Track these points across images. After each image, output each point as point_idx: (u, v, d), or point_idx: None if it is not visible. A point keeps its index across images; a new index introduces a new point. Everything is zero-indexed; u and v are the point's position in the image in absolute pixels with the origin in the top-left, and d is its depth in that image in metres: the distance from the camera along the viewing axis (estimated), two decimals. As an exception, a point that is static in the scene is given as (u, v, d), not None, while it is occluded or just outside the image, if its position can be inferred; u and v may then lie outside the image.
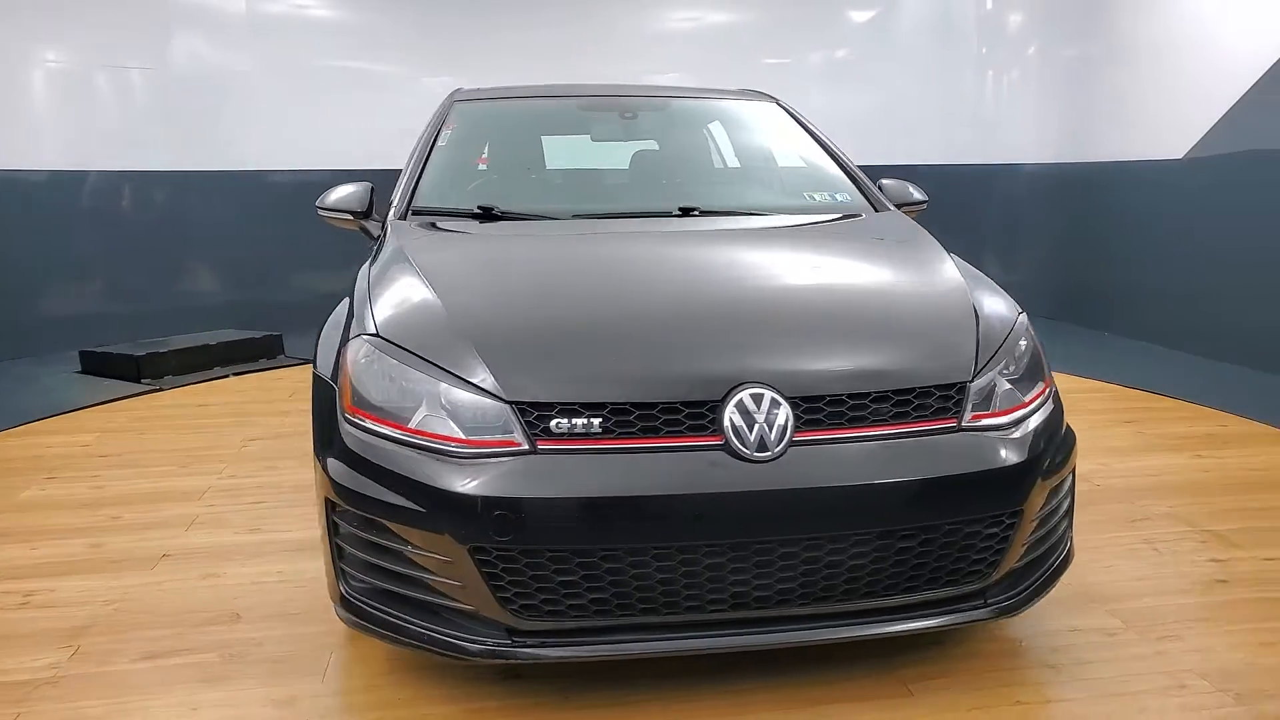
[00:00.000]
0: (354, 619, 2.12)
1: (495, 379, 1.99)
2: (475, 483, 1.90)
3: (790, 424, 1.95)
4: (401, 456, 1.99)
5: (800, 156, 3.44)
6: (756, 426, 1.93)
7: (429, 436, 2.00)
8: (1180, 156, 6.31)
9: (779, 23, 7.88)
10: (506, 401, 1.96)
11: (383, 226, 2.99)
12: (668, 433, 1.95)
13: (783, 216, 3.04)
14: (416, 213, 2.96)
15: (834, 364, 2.09)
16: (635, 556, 1.91)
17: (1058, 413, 2.27)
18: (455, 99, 3.57)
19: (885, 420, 2.02)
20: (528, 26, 7.55)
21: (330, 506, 2.12)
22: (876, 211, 3.09)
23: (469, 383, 2.01)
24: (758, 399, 1.95)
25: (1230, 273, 5.84)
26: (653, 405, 1.95)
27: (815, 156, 3.41)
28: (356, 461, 2.05)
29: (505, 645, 1.96)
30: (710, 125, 3.67)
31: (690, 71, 7.69)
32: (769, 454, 1.92)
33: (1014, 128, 7.89)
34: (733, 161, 3.50)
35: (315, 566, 2.92)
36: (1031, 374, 2.25)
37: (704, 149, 3.57)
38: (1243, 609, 2.60)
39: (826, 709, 2.12)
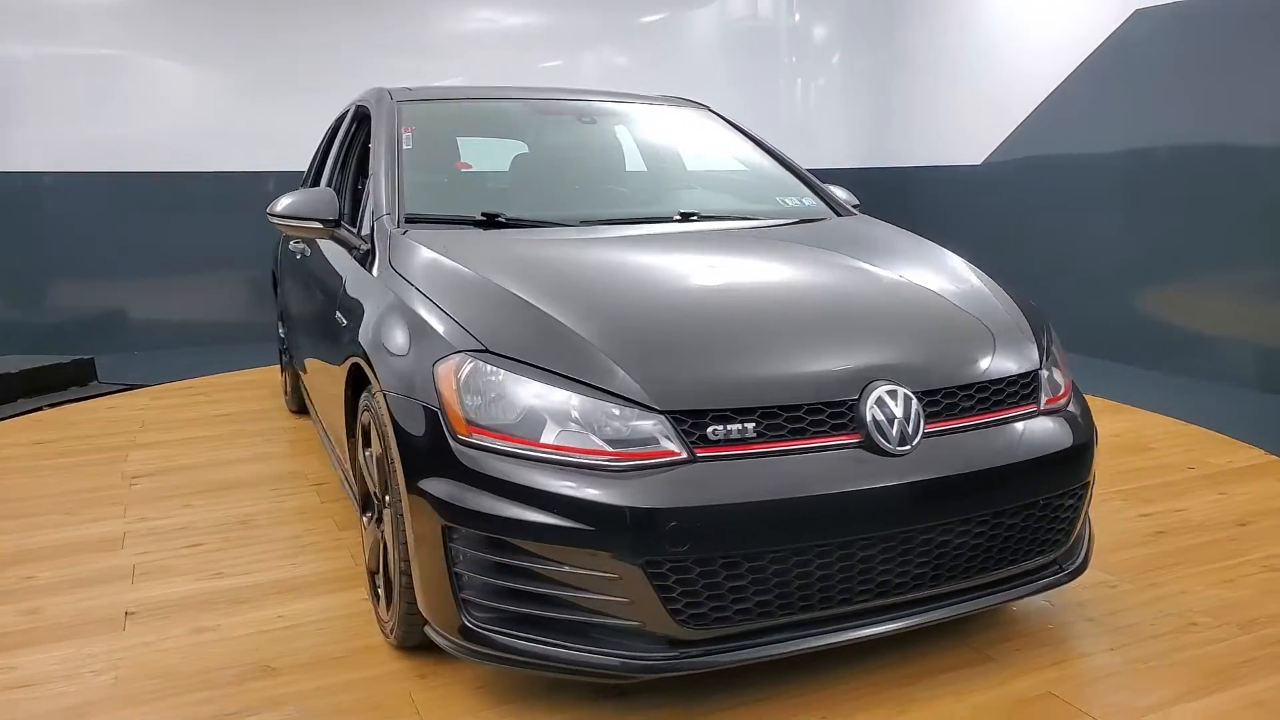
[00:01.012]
0: (479, 649, 2.01)
1: (642, 388, 1.95)
2: (644, 495, 1.86)
3: (922, 417, 2.06)
4: (542, 474, 1.91)
5: (747, 161, 3.56)
6: (896, 422, 2.02)
7: (571, 451, 1.93)
8: (979, 162, 7.06)
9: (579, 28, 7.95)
10: (660, 411, 1.93)
11: (369, 237, 2.80)
12: (813, 433, 2.00)
13: (774, 220, 3.14)
14: (410, 220, 2.79)
15: (944, 358, 2.22)
16: (800, 556, 1.94)
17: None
18: (399, 100, 3.37)
19: (987, 409, 2.18)
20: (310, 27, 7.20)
21: (447, 534, 1.99)
22: (840, 216, 3.26)
23: (608, 393, 1.96)
24: (893, 395, 2.05)
25: (1025, 266, 6.61)
26: (799, 407, 2.00)
27: (765, 162, 3.54)
28: (481, 483, 1.95)
29: (671, 658, 1.93)
30: (668, 130, 3.70)
31: (465, 72, 7.60)
32: (908, 447, 2.02)
33: (822, 135, 8.46)
34: (696, 167, 3.56)
35: (320, 606, 2.70)
36: (1061, 359, 2.49)
37: (674, 156, 3.60)
38: (1193, 554, 3.01)
39: (924, 684, 2.25)
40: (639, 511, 1.86)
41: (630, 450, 1.92)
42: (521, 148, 3.53)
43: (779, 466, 1.94)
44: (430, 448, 2.05)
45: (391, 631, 2.37)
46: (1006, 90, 6.75)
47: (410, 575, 2.15)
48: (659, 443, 1.92)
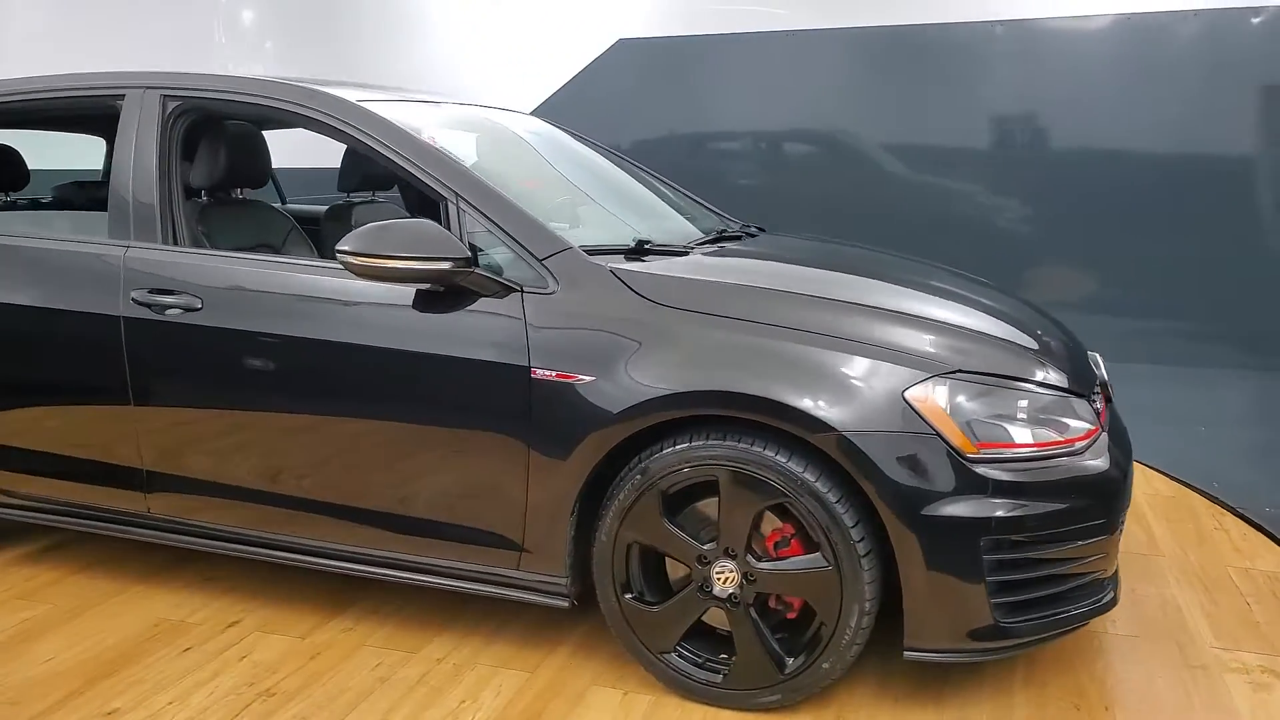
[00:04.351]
0: (1014, 643, 2.22)
1: (1062, 377, 2.31)
2: (1114, 466, 2.28)
3: None
4: (1064, 469, 2.19)
5: (614, 178, 3.63)
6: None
7: (1063, 444, 2.22)
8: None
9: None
10: (1081, 395, 2.34)
11: (543, 275, 2.35)
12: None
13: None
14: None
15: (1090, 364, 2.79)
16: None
17: None
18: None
19: None
20: None
21: (992, 546, 2.12)
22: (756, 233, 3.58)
23: (1052, 386, 2.28)
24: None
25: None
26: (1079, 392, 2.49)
27: (634, 178, 3.66)
28: (1021, 491, 2.14)
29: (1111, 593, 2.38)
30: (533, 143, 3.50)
31: None
32: None
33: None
34: (595, 182, 3.48)
35: None
36: None
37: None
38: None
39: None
40: (1116, 479, 2.29)
41: (1088, 430, 2.28)
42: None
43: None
44: (937, 473, 2.11)
45: (798, 686, 2.27)
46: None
47: (857, 616, 2.17)
48: (1091, 419, 2.33)
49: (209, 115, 2.89)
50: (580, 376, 2.28)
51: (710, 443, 2.22)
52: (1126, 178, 5.47)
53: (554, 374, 2.30)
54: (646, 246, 2.60)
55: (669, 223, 3.28)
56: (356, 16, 7.56)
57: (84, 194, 3.75)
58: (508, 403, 2.35)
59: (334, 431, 2.55)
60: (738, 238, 3.12)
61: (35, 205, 3.68)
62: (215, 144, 2.94)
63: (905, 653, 2.21)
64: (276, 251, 3.16)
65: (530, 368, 2.31)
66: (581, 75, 6.85)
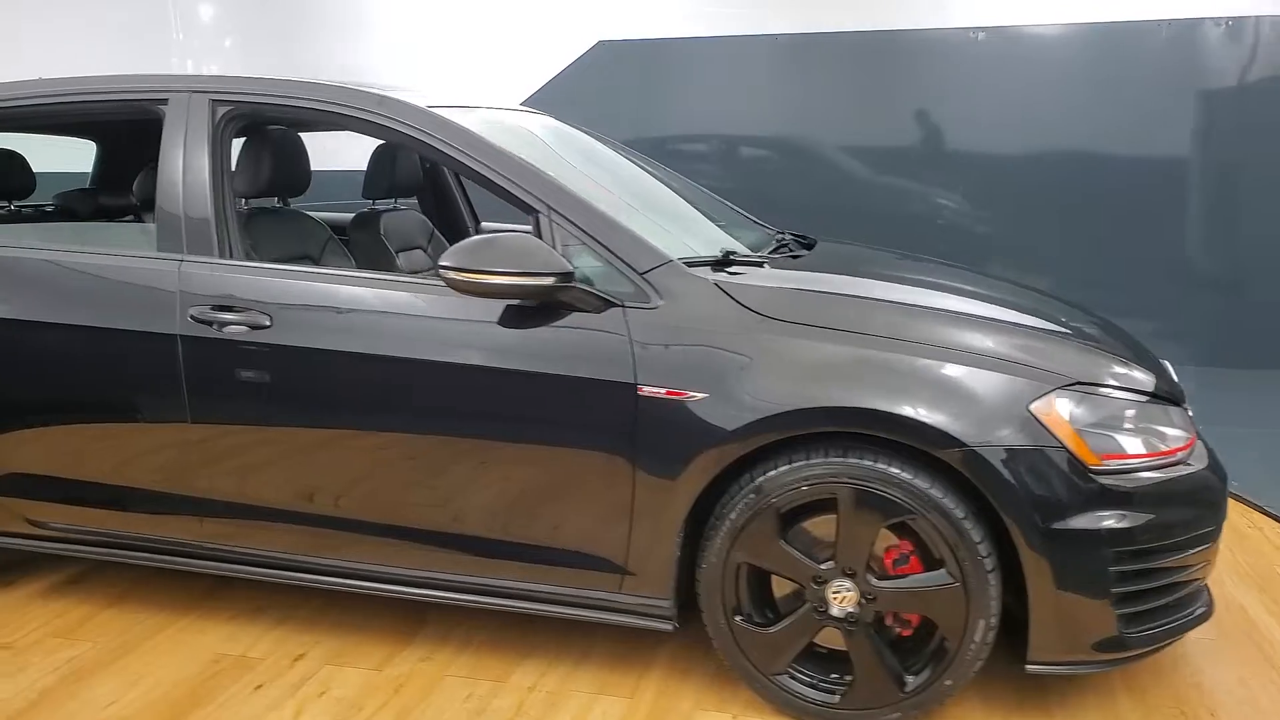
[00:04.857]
0: (1131, 654, 2.22)
1: (1160, 388, 2.32)
2: (1215, 473, 2.31)
3: None
4: (1176, 477, 2.20)
5: (647, 184, 3.53)
6: None
7: (1171, 453, 2.23)
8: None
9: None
10: (1175, 403, 2.35)
11: (642, 288, 2.28)
12: None
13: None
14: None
15: None
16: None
17: None
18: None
19: None
20: None
21: (1117, 558, 2.12)
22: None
23: (1155, 396, 2.27)
24: None
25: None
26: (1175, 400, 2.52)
27: (665, 182, 3.55)
28: (1141, 501, 2.14)
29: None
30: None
31: None
32: None
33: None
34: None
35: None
36: None
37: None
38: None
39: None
40: (1218, 486, 2.31)
41: (1183, 442, 2.29)
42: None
43: None
44: (1065, 487, 2.09)
45: (919, 703, 2.25)
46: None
47: (982, 631, 2.16)
48: (1188, 429, 2.32)
49: (264, 121, 2.74)
50: (691, 394, 2.21)
51: (831, 460, 2.17)
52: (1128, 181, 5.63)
53: (663, 391, 2.23)
54: (731, 257, 2.55)
55: (709, 231, 3.22)
56: (326, 12, 7.36)
57: (90, 202, 3.54)
58: (610, 421, 2.27)
59: (418, 452, 2.43)
60: (807, 247, 3.07)
61: (42, 214, 3.46)
62: (259, 150, 2.80)
63: (1028, 666, 2.19)
64: (316, 262, 3.02)
65: (637, 385, 2.24)
66: (561, 76, 6.78)
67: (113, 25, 7.13)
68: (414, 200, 3.87)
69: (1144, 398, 2.26)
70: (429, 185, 3.91)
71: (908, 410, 2.11)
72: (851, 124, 6.20)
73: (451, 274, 2.21)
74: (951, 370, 2.17)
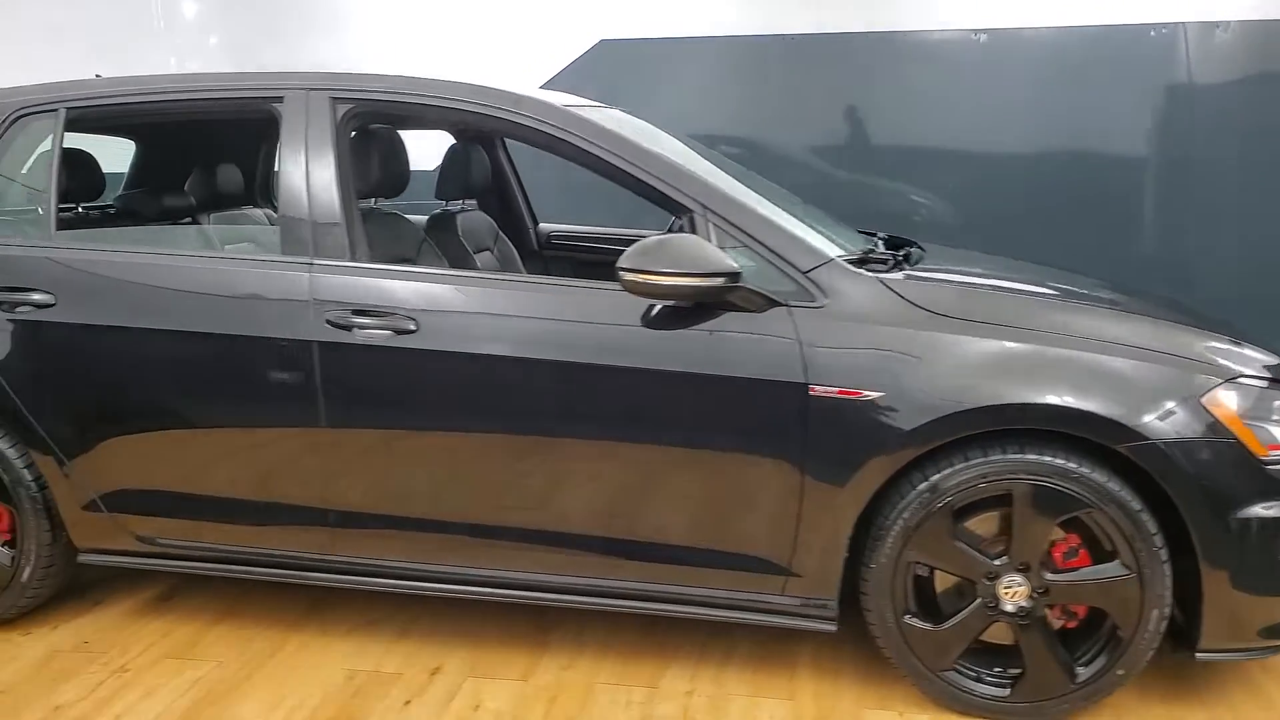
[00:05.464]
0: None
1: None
2: None
3: None
4: None
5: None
6: None
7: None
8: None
9: None
10: None
11: (810, 286, 2.27)
12: None
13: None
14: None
15: None
16: None
17: None
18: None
19: None
20: None
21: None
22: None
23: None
24: None
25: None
26: None
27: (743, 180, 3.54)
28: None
29: None
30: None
31: None
32: None
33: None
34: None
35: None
36: None
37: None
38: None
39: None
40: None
41: None
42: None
43: None
44: (1239, 477, 2.14)
45: (1091, 693, 2.28)
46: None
47: (1155, 621, 2.19)
48: None
49: (384, 120, 2.66)
50: (865, 393, 2.21)
51: (1009, 456, 2.19)
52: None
53: (836, 391, 2.22)
54: (870, 255, 2.55)
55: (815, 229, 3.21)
56: (322, 9, 7.18)
57: (155, 204, 3.39)
58: (779, 422, 2.25)
59: (575, 457, 2.39)
60: (920, 250, 3.05)
61: (107, 217, 3.31)
62: (368, 148, 2.72)
63: (1198, 655, 2.23)
64: (413, 263, 2.94)
65: (808, 385, 2.23)
66: (562, 75, 6.72)
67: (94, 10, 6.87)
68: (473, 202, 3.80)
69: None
70: (494, 186, 3.84)
71: (1090, 405, 2.14)
72: (865, 124, 6.26)
73: (630, 276, 2.17)
74: (1123, 364, 2.19)
